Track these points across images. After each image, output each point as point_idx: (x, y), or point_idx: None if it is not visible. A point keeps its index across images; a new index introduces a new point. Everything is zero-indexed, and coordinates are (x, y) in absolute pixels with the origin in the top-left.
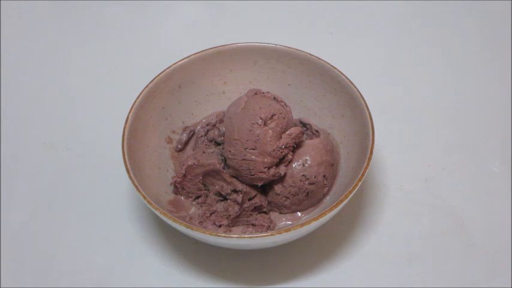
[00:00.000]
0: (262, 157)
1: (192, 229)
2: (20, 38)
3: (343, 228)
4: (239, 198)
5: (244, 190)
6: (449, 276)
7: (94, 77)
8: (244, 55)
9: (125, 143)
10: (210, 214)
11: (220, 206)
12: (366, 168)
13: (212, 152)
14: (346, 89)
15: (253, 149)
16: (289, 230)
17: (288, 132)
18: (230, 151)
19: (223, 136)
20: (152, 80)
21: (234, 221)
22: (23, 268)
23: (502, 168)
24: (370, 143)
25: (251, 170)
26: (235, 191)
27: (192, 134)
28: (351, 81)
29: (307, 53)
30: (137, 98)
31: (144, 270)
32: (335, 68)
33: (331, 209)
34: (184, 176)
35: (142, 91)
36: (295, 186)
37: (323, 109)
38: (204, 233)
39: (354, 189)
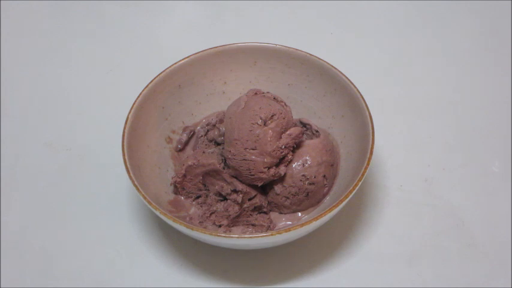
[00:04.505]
0: (262, 157)
1: (192, 229)
2: (20, 38)
3: (343, 228)
4: (239, 198)
5: (244, 190)
6: (449, 276)
7: (94, 77)
8: (244, 55)
9: (125, 143)
10: (210, 214)
11: (220, 206)
12: (366, 168)
13: (212, 152)
14: (346, 89)
15: (253, 149)
16: (289, 230)
17: (288, 132)
18: (230, 151)
19: (223, 136)
20: (152, 80)
21: (234, 221)
22: (23, 268)
23: (502, 168)
24: (370, 143)
25: (251, 170)
26: (235, 191)
27: (192, 134)
28: (351, 81)
29: (307, 53)
30: (137, 98)
31: (144, 270)
32: (335, 68)
33: (331, 209)
34: (184, 176)
35: (142, 91)
36: (295, 186)
37: (323, 109)
38: (204, 233)
39: (354, 189)
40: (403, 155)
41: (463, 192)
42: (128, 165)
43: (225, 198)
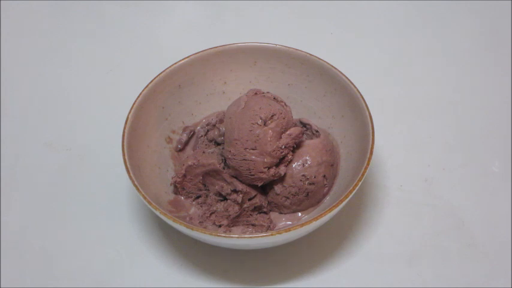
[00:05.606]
0: (262, 157)
1: (192, 229)
2: (20, 38)
3: (343, 228)
4: (239, 198)
5: (244, 190)
6: (449, 276)
7: (94, 77)
8: (244, 55)
9: (125, 143)
10: (210, 214)
11: (220, 206)
12: (366, 168)
13: (212, 152)
14: (346, 89)
15: (253, 149)
16: (289, 230)
17: (288, 132)
18: (230, 151)
19: (223, 136)
20: (152, 80)
21: (234, 221)
22: (23, 268)
23: (502, 168)
24: (370, 143)
25: (251, 170)
26: (235, 191)
27: (192, 134)
28: (351, 81)
29: (307, 53)
30: (137, 98)
31: (144, 270)
32: (335, 68)
33: (331, 209)
34: (184, 176)
35: (143, 91)
36: (295, 186)
37: (323, 109)
38: (204, 233)
39: (354, 189)
40: (403, 155)
41: (463, 192)
42: (128, 165)
43: (225, 198)
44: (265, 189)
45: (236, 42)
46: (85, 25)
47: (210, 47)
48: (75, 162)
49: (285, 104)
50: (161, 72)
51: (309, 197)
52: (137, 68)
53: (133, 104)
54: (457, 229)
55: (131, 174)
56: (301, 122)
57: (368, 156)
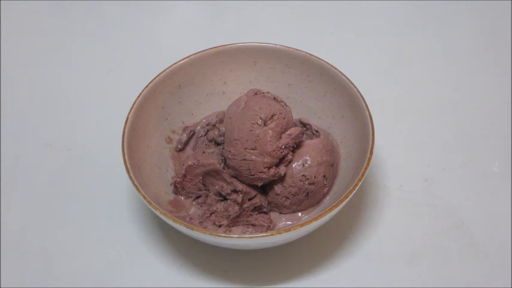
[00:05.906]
0: (262, 157)
1: (192, 229)
2: (20, 38)
3: (343, 228)
4: (239, 198)
5: (244, 190)
6: (449, 276)
7: (94, 77)
8: (244, 55)
9: (125, 143)
10: (210, 214)
11: (220, 206)
12: (366, 168)
13: (212, 152)
14: (346, 89)
15: (253, 149)
16: (289, 230)
17: (288, 132)
18: (230, 151)
19: (223, 136)
20: (152, 80)
21: (234, 221)
22: (23, 268)
23: (502, 168)
24: (370, 143)
25: (251, 170)
26: (235, 191)
27: (192, 134)
28: (351, 81)
29: (307, 53)
30: (137, 98)
31: (144, 270)
32: (335, 68)
33: (331, 209)
34: (184, 176)
35: (142, 91)
36: (295, 186)
37: (323, 109)
38: (204, 233)
39: (354, 189)
40: (403, 155)
41: (463, 192)
42: (128, 165)
43: (225, 198)
44: (265, 189)
45: (236, 42)
46: (85, 25)
47: (210, 47)
48: (75, 162)
49: (285, 104)
50: (161, 72)
51: (309, 197)
52: (137, 68)
53: (133, 104)
54: (457, 229)
55: (131, 174)
56: (301, 122)
57: (368, 156)
